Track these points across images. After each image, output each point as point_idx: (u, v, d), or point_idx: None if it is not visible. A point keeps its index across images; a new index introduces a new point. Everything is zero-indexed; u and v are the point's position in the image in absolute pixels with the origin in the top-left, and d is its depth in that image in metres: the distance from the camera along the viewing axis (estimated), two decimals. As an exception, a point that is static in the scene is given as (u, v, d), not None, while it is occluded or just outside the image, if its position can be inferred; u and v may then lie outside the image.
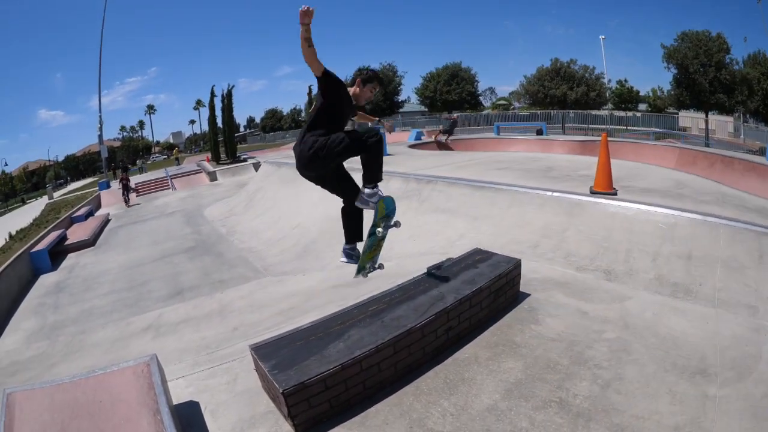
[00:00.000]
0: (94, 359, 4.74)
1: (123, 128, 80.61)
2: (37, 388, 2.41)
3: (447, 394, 2.47)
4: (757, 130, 26.62)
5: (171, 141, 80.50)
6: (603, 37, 36.30)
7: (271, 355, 2.46)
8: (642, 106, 39.50)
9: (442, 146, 15.12)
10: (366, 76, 3.09)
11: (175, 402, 2.71)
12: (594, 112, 34.14)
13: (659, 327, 2.98)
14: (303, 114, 41.09)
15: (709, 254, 3.76)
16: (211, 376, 3.10)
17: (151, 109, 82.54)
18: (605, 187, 5.05)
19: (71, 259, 10.51)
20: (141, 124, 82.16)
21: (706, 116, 27.91)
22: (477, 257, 3.62)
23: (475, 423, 2.25)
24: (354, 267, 3.42)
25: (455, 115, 19.68)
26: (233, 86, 24.63)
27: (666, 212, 4.26)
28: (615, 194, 4.96)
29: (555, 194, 5.16)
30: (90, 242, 11.69)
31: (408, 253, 5.55)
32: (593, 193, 5.04)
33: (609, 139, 5.58)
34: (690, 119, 34.05)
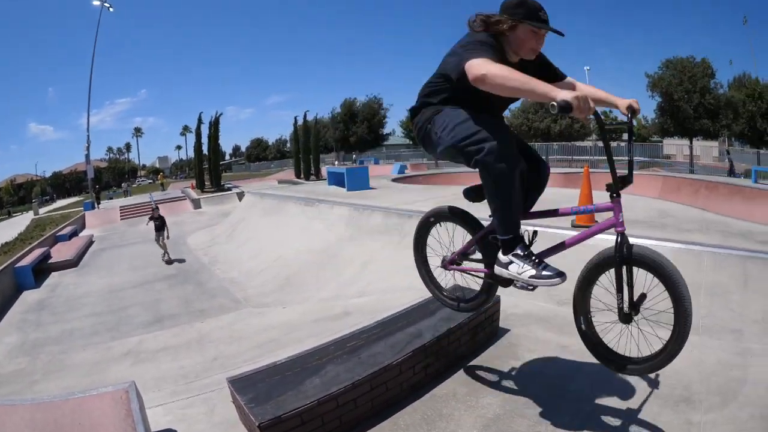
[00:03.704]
0: (74, 380, 4.75)
1: (110, 149, 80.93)
2: (18, 404, 2.37)
3: (425, 430, 2.41)
4: (743, 152, 26.95)
5: (157, 165, 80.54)
6: (588, 68, 36.32)
7: (248, 388, 2.42)
8: (626, 136, 40.03)
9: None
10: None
11: (153, 430, 2.63)
12: (578, 143, 33.88)
13: (643, 358, 2.97)
14: (288, 144, 39.04)
15: (694, 282, 3.75)
16: (189, 405, 3.04)
17: (138, 131, 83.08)
18: (587, 221, 4.94)
19: (54, 277, 10.54)
20: (128, 146, 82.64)
21: (691, 143, 27.69)
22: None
23: (454, 459, 2.19)
24: None
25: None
26: (221, 114, 24.30)
27: (647, 243, 4.27)
28: None
29: (538, 229, 5.15)
30: (73, 262, 11.76)
31: (389, 288, 5.49)
32: (575, 227, 4.91)
33: (592, 170, 5.51)
34: (674, 146, 33.83)
